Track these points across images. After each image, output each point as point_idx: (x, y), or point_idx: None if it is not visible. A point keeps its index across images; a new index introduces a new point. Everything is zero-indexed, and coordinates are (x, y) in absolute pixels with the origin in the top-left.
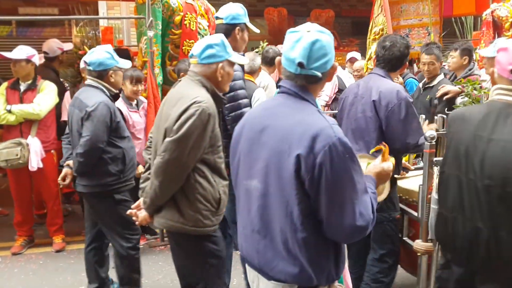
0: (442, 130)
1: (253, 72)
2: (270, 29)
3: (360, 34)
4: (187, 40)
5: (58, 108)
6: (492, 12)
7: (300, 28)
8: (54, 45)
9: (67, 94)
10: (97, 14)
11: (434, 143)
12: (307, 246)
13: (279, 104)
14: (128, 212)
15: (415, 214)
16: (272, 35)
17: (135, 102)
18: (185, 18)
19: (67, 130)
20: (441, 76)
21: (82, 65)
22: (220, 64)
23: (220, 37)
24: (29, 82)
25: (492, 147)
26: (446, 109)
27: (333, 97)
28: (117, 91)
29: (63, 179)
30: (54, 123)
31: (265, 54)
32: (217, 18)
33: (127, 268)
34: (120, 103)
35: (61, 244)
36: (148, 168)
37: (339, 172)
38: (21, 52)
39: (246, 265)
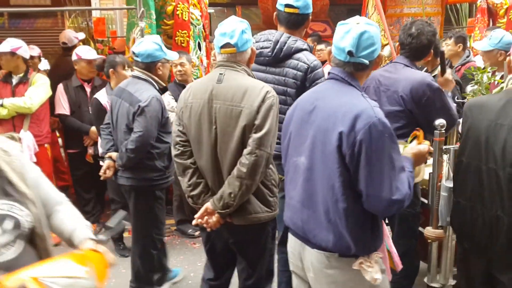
0: None
1: None
2: (264, 18)
3: None
4: (180, 31)
5: (52, 100)
6: None
7: (349, 21)
8: (71, 35)
9: (60, 86)
10: (90, 4)
11: (444, 131)
12: (346, 216)
13: (328, 88)
14: (195, 222)
15: (425, 201)
16: (267, 24)
17: None
18: (177, 8)
19: (106, 120)
20: None
21: (74, 57)
22: (252, 48)
23: (242, 20)
24: (21, 75)
25: None
26: (456, 97)
27: None
28: (165, 85)
29: (105, 171)
30: (47, 116)
31: None
32: (288, 5)
33: (147, 267)
34: (102, 94)
35: (58, 238)
36: (193, 174)
37: (377, 149)
38: (6, 45)
39: (289, 235)
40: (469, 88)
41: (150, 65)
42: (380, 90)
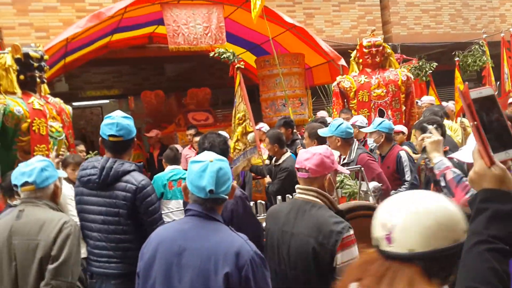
0: None
1: None
2: (147, 111)
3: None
4: (38, 146)
5: None
6: (338, 84)
7: (202, 158)
8: None
9: None
10: None
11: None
12: None
13: (195, 227)
14: None
15: None
16: (152, 116)
17: None
18: (33, 124)
19: None
20: (287, 154)
21: None
22: (56, 183)
23: (44, 159)
24: None
25: (294, 240)
26: None
27: None
28: None
29: None
30: None
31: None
32: (111, 135)
33: None
34: None
35: None
36: None
37: (259, 280)
38: None
39: None
40: None
41: None
42: None
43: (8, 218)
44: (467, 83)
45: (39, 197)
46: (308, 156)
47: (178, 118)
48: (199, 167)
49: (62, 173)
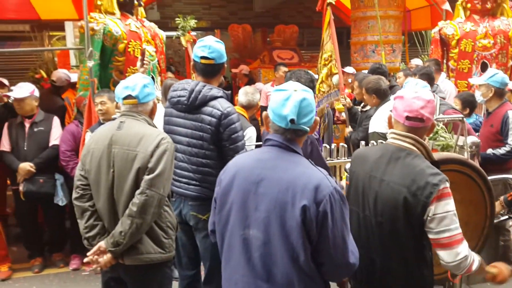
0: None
1: (251, 107)
2: (234, 45)
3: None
4: (131, 67)
5: None
6: (439, 30)
7: (287, 87)
8: (62, 76)
9: (6, 124)
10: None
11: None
12: (310, 286)
13: (274, 157)
14: (86, 260)
15: None
16: (238, 51)
17: None
18: (129, 46)
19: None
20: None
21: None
22: (154, 101)
23: (146, 76)
24: None
25: (384, 187)
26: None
27: None
28: None
29: None
30: None
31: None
32: (203, 57)
33: None
34: None
35: (7, 273)
36: (91, 216)
37: (337, 217)
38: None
39: None
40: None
41: None
42: None
43: (109, 127)
44: None
45: (140, 111)
46: (422, 103)
47: (263, 54)
48: (283, 96)
49: (159, 93)
